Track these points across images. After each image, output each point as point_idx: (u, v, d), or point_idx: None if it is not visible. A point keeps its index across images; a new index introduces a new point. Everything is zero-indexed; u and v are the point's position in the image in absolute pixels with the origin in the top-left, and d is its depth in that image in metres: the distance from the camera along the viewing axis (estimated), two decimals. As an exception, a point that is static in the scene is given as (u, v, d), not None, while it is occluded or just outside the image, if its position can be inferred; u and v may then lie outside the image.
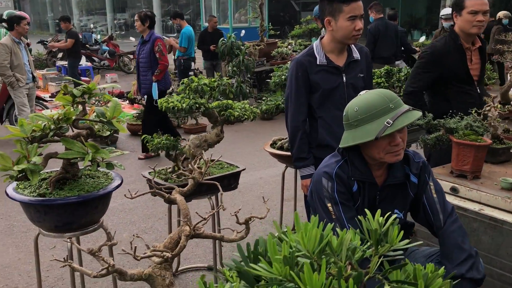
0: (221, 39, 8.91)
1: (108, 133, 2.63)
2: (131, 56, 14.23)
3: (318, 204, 2.06)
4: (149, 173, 3.10)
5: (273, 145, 3.88)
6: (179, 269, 3.62)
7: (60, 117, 2.38)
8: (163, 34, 13.68)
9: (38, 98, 7.59)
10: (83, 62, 12.93)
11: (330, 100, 2.86)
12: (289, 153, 3.62)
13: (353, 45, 2.89)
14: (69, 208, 2.49)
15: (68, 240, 2.56)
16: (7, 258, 3.91)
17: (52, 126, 2.42)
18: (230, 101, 3.14)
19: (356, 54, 2.90)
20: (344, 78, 2.86)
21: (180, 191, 1.84)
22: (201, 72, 10.73)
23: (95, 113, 2.52)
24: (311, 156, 2.90)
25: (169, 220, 3.47)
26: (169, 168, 3.24)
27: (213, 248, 3.23)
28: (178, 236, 1.70)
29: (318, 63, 2.82)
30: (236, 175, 3.26)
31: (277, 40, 10.26)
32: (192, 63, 9.78)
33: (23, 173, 2.34)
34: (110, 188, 2.61)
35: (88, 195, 2.50)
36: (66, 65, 11.30)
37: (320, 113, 2.87)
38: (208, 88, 3.05)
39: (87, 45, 14.73)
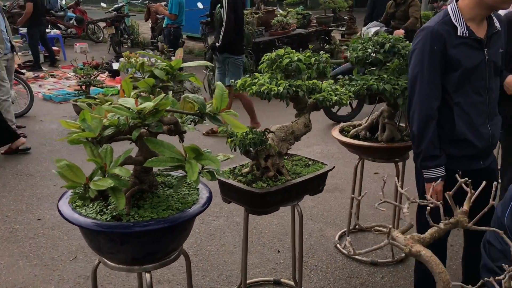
0: (218, 5, 8.07)
1: (187, 128, 1.94)
2: (103, 24, 13.05)
3: None
4: (230, 174, 2.43)
5: (342, 132, 3.27)
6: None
7: (148, 110, 1.66)
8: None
9: (16, 71, 6.59)
10: (52, 30, 11.74)
11: (469, 82, 2.26)
12: (370, 144, 3.02)
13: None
14: (156, 234, 1.80)
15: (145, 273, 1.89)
16: (20, 275, 3.15)
17: (134, 122, 1.71)
18: (315, 81, 2.48)
19: (497, 24, 2.30)
20: (486, 54, 2.26)
21: (420, 239, 1.17)
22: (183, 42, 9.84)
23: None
24: (443, 154, 2.30)
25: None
26: (244, 166, 2.57)
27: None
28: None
29: (459, 34, 2.20)
30: (325, 175, 2.62)
31: (274, 8, 9.48)
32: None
33: (102, 192, 1.64)
34: (202, 203, 1.93)
35: (180, 216, 1.82)
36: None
37: (456, 98, 2.27)
38: (305, 66, 2.37)
39: (51, 11, 13.41)
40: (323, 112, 6.34)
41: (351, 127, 3.30)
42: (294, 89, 2.29)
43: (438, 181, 2.30)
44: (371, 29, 6.78)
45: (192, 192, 2.02)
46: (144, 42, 13.34)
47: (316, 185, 2.58)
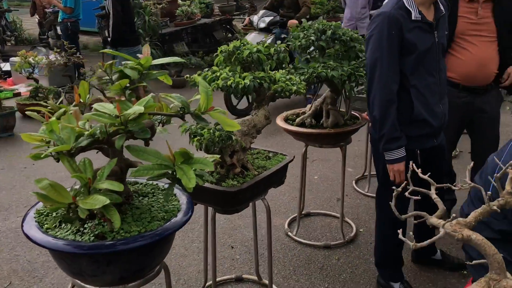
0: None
1: (160, 131, 1.81)
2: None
3: None
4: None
5: (287, 120, 3.26)
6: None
7: (129, 116, 1.50)
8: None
9: None
10: None
11: (423, 64, 2.36)
12: (318, 131, 3.06)
13: None
14: (146, 249, 1.65)
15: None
16: None
17: (114, 130, 1.54)
18: (270, 72, 2.44)
19: (442, 7, 2.42)
20: (436, 37, 2.37)
21: (467, 223, 1.17)
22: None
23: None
24: (403, 136, 2.38)
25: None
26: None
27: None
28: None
29: (413, 18, 2.28)
30: (287, 166, 2.60)
31: (174, -4, 9.21)
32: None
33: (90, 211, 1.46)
34: (185, 209, 1.81)
35: (169, 227, 1.69)
36: None
37: (413, 81, 2.36)
38: (265, 57, 2.31)
39: None
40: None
41: (295, 116, 3.31)
42: (258, 81, 2.22)
43: (400, 162, 2.39)
44: (265, 18, 6.69)
45: (171, 201, 1.88)
46: (30, 38, 12.32)
47: (280, 176, 2.55)
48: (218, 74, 2.24)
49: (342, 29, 3.00)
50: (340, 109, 3.26)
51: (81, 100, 1.75)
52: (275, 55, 2.35)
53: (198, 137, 2.19)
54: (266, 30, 6.63)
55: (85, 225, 1.65)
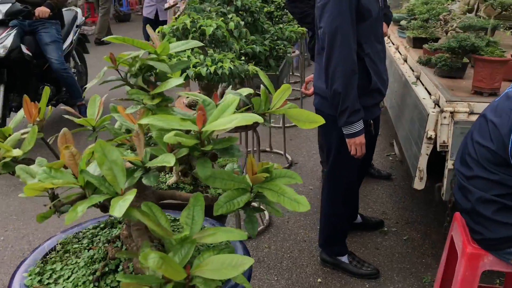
0: None
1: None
2: None
3: None
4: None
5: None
6: None
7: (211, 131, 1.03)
8: None
9: None
10: None
11: (373, 31, 2.28)
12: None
13: None
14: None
15: None
16: None
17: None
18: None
19: None
20: (380, 2, 2.32)
21: None
22: None
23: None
24: (361, 107, 2.28)
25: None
26: (166, 174, 1.97)
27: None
28: None
29: None
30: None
31: None
32: None
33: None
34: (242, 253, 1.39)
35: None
36: None
37: (367, 49, 2.26)
38: (228, 34, 1.91)
39: None
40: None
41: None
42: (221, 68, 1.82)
43: (361, 134, 2.31)
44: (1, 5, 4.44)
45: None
46: None
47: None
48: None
49: None
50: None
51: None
52: (236, 30, 1.96)
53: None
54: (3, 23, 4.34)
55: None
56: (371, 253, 2.91)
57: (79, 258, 1.29)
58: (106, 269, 1.22)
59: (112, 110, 1.41)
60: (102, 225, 1.47)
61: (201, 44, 1.28)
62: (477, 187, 1.90)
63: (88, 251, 1.31)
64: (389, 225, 3.19)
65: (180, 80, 1.10)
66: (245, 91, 1.26)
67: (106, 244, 1.30)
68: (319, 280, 2.70)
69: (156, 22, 5.92)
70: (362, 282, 2.67)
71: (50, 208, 1.11)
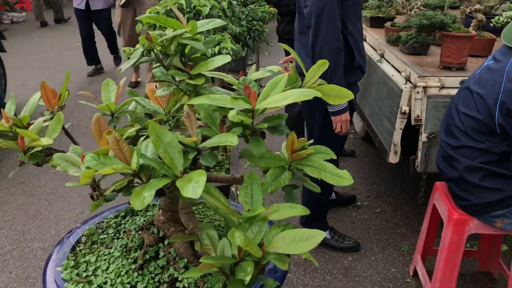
0: None
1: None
2: None
3: None
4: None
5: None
6: None
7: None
8: None
9: None
10: None
11: (355, 9, 2.33)
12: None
13: None
14: None
15: None
16: None
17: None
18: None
19: None
20: None
21: None
22: None
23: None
24: (345, 84, 2.33)
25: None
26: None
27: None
28: None
29: None
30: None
31: None
32: None
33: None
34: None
35: None
36: None
37: (350, 27, 2.30)
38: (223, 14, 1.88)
39: None
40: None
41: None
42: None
43: (346, 111, 2.37)
44: None
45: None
46: None
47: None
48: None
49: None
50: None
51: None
52: (229, 10, 1.93)
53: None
54: None
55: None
56: (349, 227, 3.01)
57: (110, 248, 1.24)
58: (147, 256, 1.19)
59: (129, 94, 1.36)
60: (122, 214, 1.42)
61: (224, 23, 1.26)
62: (464, 156, 2.01)
63: (118, 240, 1.27)
64: (361, 200, 3.31)
65: (228, 58, 1.08)
66: (275, 68, 1.25)
67: (140, 232, 1.26)
68: (303, 256, 2.75)
69: (88, 12, 5.66)
70: (345, 256, 2.76)
71: (94, 196, 1.06)
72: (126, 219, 1.39)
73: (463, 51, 2.63)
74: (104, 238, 1.29)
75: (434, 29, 2.66)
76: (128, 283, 1.12)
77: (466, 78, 2.55)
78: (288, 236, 0.94)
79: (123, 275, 1.13)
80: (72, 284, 1.11)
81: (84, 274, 1.15)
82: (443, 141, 2.13)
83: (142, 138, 1.04)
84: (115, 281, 1.12)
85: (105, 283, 1.12)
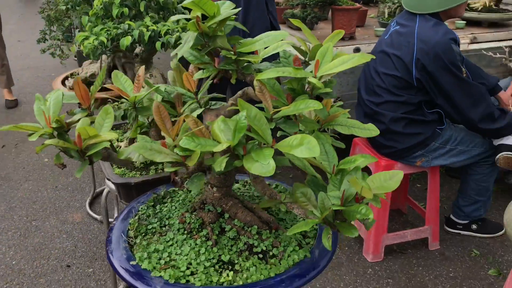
0: None
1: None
2: None
3: (450, 72, 2.22)
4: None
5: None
6: None
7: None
8: None
9: None
10: None
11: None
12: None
13: None
14: None
15: None
16: None
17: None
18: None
19: None
20: None
21: None
22: None
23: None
24: None
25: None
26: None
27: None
28: None
29: None
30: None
31: None
32: None
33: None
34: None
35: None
36: None
37: (270, 7, 2.47)
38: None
39: None
40: None
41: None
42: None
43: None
44: None
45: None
46: None
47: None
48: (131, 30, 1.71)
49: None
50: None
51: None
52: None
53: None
54: None
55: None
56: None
57: (166, 235, 1.25)
58: (216, 232, 1.23)
59: (147, 83, 1.36)
60: (150, 204, 1.41)
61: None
62: (388, 109, 2.36)
63: (173, 227, 1.28)
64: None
65: (285, 34, 1.17)
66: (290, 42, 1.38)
67: (194, 213, 1.28)
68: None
69: None
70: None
71: (177, 181, 1.08)
72: (158, 208, 1.39)
73: (352, 22, 3.01)
74: (153, 229, 1.29)
75: (328, 4, 2.98)
76: (213, 258, 1.16)
77: (358, 46, 2.94)
78: (378, 179, 1.10)
79: (203, 253, 1.17)
80: (159, 272, 1.12)
81: (162, 262, 1.16)
82: (367, 100, 2.46)
83: (219, 119, 1.09)
84: (200, 260, 1.15)
85: (190, 263, 1.14)
